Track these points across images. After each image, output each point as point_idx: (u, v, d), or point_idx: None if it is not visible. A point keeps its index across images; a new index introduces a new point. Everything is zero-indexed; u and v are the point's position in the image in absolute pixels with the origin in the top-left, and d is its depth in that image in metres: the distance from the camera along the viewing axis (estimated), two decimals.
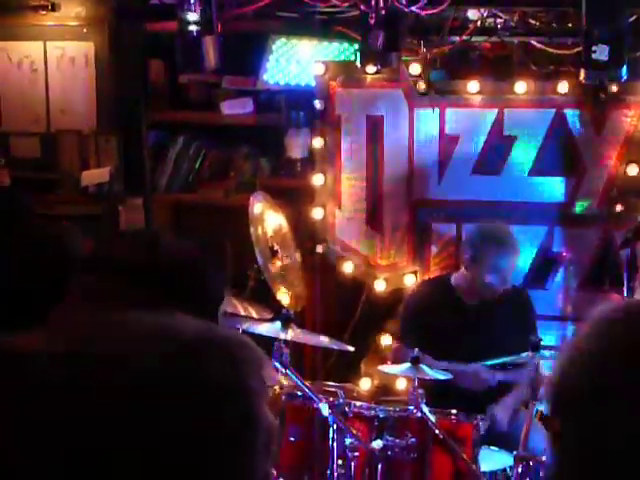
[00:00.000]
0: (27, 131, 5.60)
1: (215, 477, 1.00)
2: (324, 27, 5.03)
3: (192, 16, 4.59)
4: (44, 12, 5.46)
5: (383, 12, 3.66)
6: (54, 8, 5.46)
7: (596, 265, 4.84)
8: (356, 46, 4.87)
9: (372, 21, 3.95)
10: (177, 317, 1.07)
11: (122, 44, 5.45)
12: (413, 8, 3.56)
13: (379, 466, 3.67)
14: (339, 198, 5.09)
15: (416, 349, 3.83)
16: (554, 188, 4.87)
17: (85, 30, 5.50)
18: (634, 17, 4.44)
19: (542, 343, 4.00)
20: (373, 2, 3.56)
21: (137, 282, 1.67)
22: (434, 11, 3.81)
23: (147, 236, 1.88)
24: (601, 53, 4.26)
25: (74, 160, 5.52)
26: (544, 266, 4.91)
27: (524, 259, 4.89)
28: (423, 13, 3.75)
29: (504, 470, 3.91)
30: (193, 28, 4.61)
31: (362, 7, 3.68)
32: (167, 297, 1.65)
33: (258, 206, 4.70)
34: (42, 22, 5.50)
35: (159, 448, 0.97)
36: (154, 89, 5.48)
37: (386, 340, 4.93)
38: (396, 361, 4.27)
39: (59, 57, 5.55)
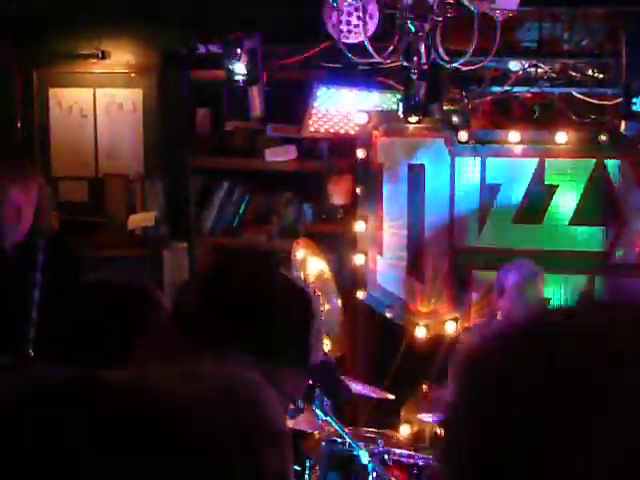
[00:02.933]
0: (75, 175, 5.73)
1: None
2: (366, 77, 5.11)
3: (239, 67, 4.71)
4: (94, 60, 5.61)
5: (425, 66, 3.72)
6: (104, 56, 5.60)
7: None
8: (398, 96, 4.95)
9: (415, 76, 4.01)
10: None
11: (169, 91, 5.58)
12: (455, 65, 3.62)
13: None
14: (381, 245, 5.15)
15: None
16: (594, 237, 4.89)
17: (133, 77, 5.64)
18: None
19: None
20: (415, 58, 3.62)
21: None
22: (476, 66, 3.86)
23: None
24: None
25: (121, 204, 5.62)
26: None
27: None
28: (465, 69, 3.81)
29: None
30: (239, 78, 4.72)
31: (405, 63, 3.75)
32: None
33: (301, 251, 4.77)
34: (92, 70, 5.64)
35: None
36: (200, 136, 5.59)
37: (426, 387, 4.94)
38: (437, 405, 4.30)
39: (108, 103, 5.69)
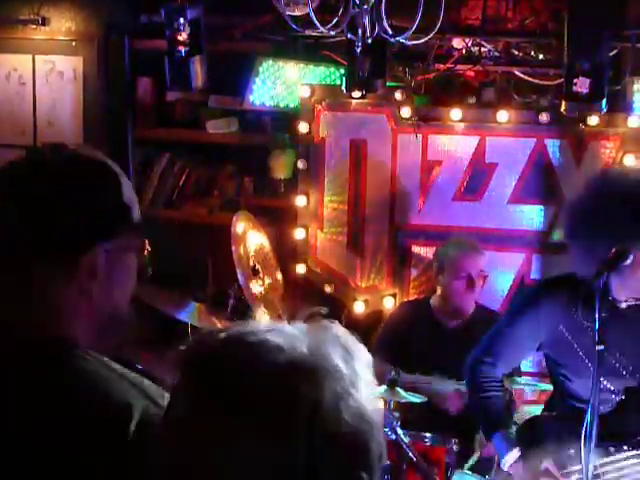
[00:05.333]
0: (14, 144, 5.62)
1: None
2: (310, 50, 5.10)
3: (181, 36, 4.65)
4: (34, 26, 5.50)
5: (369, 41, 3.71)
6: (44, 22, 5.49)
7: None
8: (342, 70, 4.95)
9: (358, 49, 4.00)
10: None
11: (111, 60, 5.49)
12: (399, 38, 3.61)
13: None
14: (321, 220, 5.15)
15: (392, 372, 3.88)
16: (533, 216, 4.95)
17: (74, 45, 5.54)
18: (615, 51, 4.53)
19: (519, 369, 4.07)
20: (360, 31, 3.61)
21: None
22: (420, 41, 3.86)
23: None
24: (582, 85, 4.33)
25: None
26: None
27: (502, 285, 4.96)
28: (409, 43, 3.80)
29: None
30: (182, 48, 4.67)
31: (349, 36, 3.74)
32: None
33: (241, 225, 4.74)
34: (32, 36, 5.53)
35: None
36: (141, 106, 5.53)
37: None
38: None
39: (48, 71, 5.59)
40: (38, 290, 1.60)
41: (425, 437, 3.87)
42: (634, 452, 3.12)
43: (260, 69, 5.20)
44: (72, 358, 1.58)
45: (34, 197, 1.59)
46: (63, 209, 1.58)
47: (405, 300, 4.98)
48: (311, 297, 5.25)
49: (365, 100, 4.93)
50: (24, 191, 1.60)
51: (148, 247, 1.74)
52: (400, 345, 4.46)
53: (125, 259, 1.67)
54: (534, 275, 4.98)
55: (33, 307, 1.61)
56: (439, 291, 4.55)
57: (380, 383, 3.96)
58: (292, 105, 5.22)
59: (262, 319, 4.64)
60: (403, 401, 3.84)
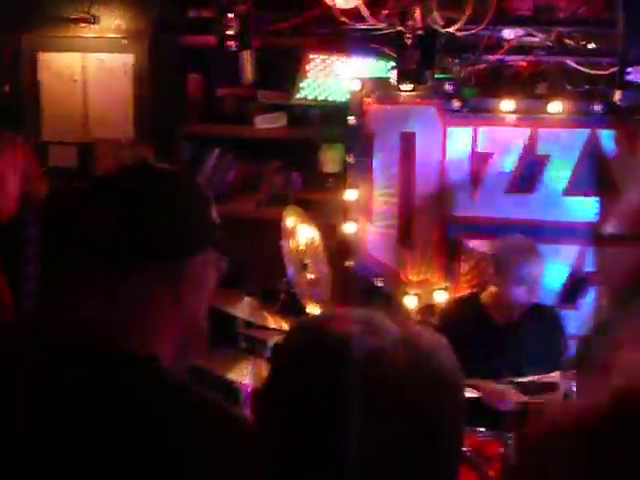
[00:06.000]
0: (65, 141, 5.68)
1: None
2: (359, 44, 5.07)
3: (230, 31, 4.66)
4: (85, 24, 5.55)
5: (419, 32, 3.68)
6: (94, 21, 5.54)
7: (627, 285, 4.83)
8: (391, 63, 4.91)
9: (408, 41, 3.98)
10: None
11: (160, 57, 5.52)
12: (449, 29, 3.58)
13: None
14: (371, 213, 5.12)
15: None
16: (587, 208, 4.87)
17: (124, 42, 5.58)
18: None
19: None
20: (410, 22, 3.58)
21: None
22: (470, 32, 3.82)
23: None
24: (636, 75, 4.26)
25: (110, 169, 5.57)
26: (575, 286, 4.91)
27: (555, 278, 4.90)
28: (459, 34, 3.77)
29: None
30: (231, 43, 4.67)
31: (399, 27, 3.71)
32: None
33: (290, 219, 4.74)
34: (82, 34, 5.58)
35: None
36: (191, 102, 5.55)
37: None
38: None
39: (98, 68, 5.63)
40: (128, 297, 1.65)
41: (479, 431, 3.83)
42: None
43: (309, 63, 5.19)
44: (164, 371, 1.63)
45: (138, 207, 1.69)
46: (162, 221, 1.68)
47: (454, 297, 4.93)
48: (361, 291, 5.23)
49: (414, 93, 4.89)
50: (128, 200, 1.69)
51: (225, 264, 1.82)
52: (450, 343, 4.40)
53: (206, 273, 1.74)
54: (588, 268, 4.91)
55: (124, 314, 1.66)
56: (493, 289, 4.48)
57: None
58: (341, 99, 5.20)
59: (312, 313, 4.64)
60: None
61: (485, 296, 4.54)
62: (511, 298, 4.37)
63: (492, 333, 4.43)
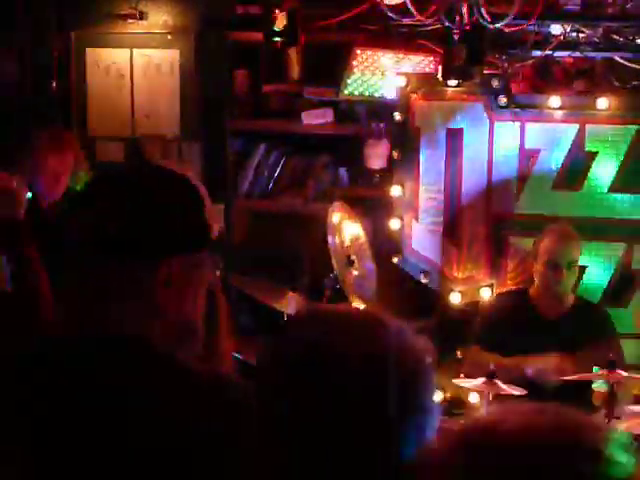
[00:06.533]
0: (112, 136, 5.74)
1: None
2: (406, 40, 5.07)
3: (277, 27, 4.68)
4: (132, 20, 5.59)
5: (467, 28, 3.67)
6: (142, 17, 5.59)
7: None
8: (438, 59, 4.90)
9: (456, 36, 3.97)
10: None
11: (207, 52, 5.55)
12: (497, 25, 3.57)
13: None
14: (417, 210, 5.12)
15: (492, 364, 3.84)
16: (634, 205, 4.83)
17: (171, 38, 5.62)
18: None
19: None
20: (457, 18, 3.58)
21: None
22: (518, 27, 3.81)
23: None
24: None
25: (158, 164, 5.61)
26: (622, 283, 4.87)
27: (602, 276, 4.86)
28: (507, 30, 3.75)
29: None
30: (277, 39, 4.69)
31: (446, 23, 3.71)
32: None
33: (336, 215, 4.75)
34: (130, 30, 5.63)
35: None
36: (237, 97, 5.57)
37: (460, 353, 4.93)
38: (469, 365, 4.31)
39: (145, 64, 5.68)
40: (123, 289, 1.69)
41: None
42: None
43: (355, 59, 5.19)
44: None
45: (140, 204, 1.71)
46: (159, 218, 1.70)
47: (502, 290, 4.92)
48: (406, 288, 5.23)
49: (461, 88, 4.88)
50: (131, 198, 1.72)
51: (220, 266, 1.84)
52: (499, 337, 4.40)
53: (198, 274, 1.75)
54: (635, 266, 4.87)
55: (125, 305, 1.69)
56: (536, 281, 4.49)
57: (479, 375, 3.93)
58: (387, 95, 5.19)
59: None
60: (502, 393, 3.80)
61: (532, 290, 4.54)
62: (544, 283, 4.36)
63: (539, 327, 4.43)
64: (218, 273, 1.88)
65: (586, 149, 4.86)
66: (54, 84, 5.75)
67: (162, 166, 1.85)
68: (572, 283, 4.45)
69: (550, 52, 4.79)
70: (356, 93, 5.24)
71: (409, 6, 3.50)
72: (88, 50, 5.74)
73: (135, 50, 5.68)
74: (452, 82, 4.78)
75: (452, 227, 5.08)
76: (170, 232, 1.70)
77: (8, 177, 2.92)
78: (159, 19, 5.61)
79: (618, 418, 3.68)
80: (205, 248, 1.76)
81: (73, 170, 4.34)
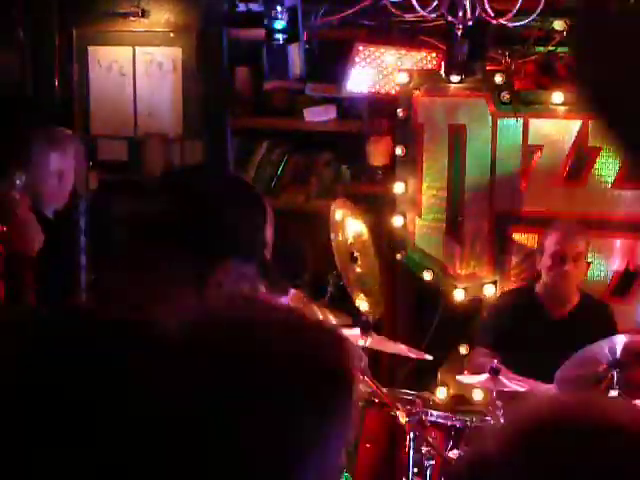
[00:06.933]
0: (114, 135, 5.73)
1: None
2: (408, 36, 5.05)
3: (279, 24, 4.67)
4: (134, 18, 5.58)
5: (469, 23, 3.66)
6: (144, 14, 5.58)
7: None
8: (440, 55, 4.89)
9: (458, 32, 3.96)
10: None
11: (209, 50, 5.54)
12: (501, 20, 3.56)
13: None
14: (420, 206, 5.11)
15: (495, 360, 3.83)
16: (638, 201, 4.81)
17: (173, 36, 5.60)
18: None
19: None
20: (460, 13, 3.57)
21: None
22: (521, 22, 3.80)
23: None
24: None
25: (160, 164, 5.62)
26: (626, 279, 4.86)
27: (606, 272, 4.85)
28: (510, 25, 3.74)
29: None
30: (279, 36, 4.68)
31: (449, 18, 3.69)
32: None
33: (339, 212, 4.74)
34: (131, 28, 5.62)
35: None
36: (239, 95, 5.56)
37: (464, 349, 4.92)
38: (474, 365, 4.29)
39: (147, 62, 5.66)
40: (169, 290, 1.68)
41: None
42: None
43: (358, 56, 5.18)
44: None
45: (202, 205, 1.75)
46: (221, 223, 1.75)
47: (508, 288, 4.90)
48: (409, 285, 5.22)
49: (464, 84, 4.87)
50: (193, 198, 1.76)
51: (260, 287, 1.84)
52: (504, 335, 4.38)
53: (244, 285, 1.77)
54: (639, 261, 4.85)
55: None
56: (543, 277, 4.47)
57: (482, 372, 3.92)
58: (390, 91, 5.18)
59: (361, 306, 4.64)
60: (506, 390, 3.79)
61: (538, 287, 4.52)
62: (549, 276, 4.35)
63: (546, 325, 4.41)
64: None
65: (589, 144, 4.84)
66: (56, 83, 5.74)
67: (237, 176, 1.94)
68: (579, 278, 4.43)
69: (553, 48, 4.78)
70: (359, 89, 5.22)
71: (412, 2, 3.49)
72: (90, 48, 5.73)
73: (137, 48, 5.67)
74: (455, 78, 4.77)
75: (455, 224, 5.07)
76: (233, 236, 1.73)
77: None
78: (161, 17, 5.59)
79: None
80: (255, 261, 1.79)
81: (76, 169, 4.32)
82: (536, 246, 4.70)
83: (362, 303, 4.65)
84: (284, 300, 1.88)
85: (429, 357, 4.28)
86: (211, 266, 1.70)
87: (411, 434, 3.64)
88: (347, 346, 1.12)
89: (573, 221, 4.54)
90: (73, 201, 4.13)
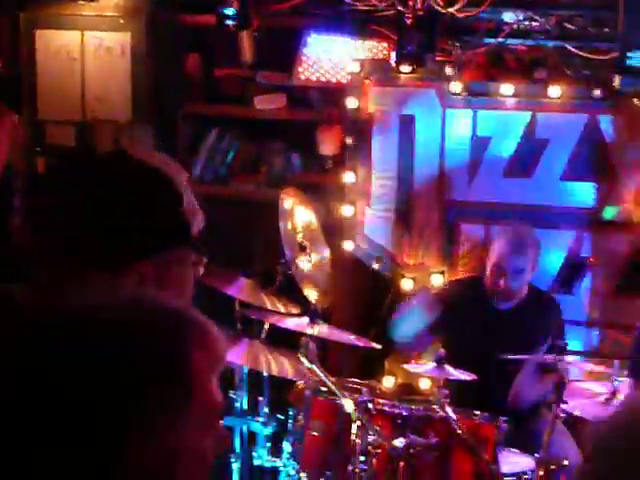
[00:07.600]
0: (63, 119, 5.66)
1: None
2: (359, 25, 5.05)
3: (229, 11, 4.64)
4: (83, 2, 5.51)
5: (420, 13, 3.67)
6: None
7: (625, 272, 4.83)
8: (391, 45, 4.90)
9: (409, 21, 3.96)
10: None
11: (159, 36, 5.49)
12: (450, 9, 3.57)
13: (401, 464, 3.69)
14: (369, 196, 5.11)
15: (441, 349, 3.86)
16: (585, 193, 4.87)
17: (122, 21, 5.54)
18: None
19: (567, 348, 4.02)
20: (410, 2, 3.57)
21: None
22: (471, 13, 3.81)
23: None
24: (636, 59, 4.25)
25: (108, 149, 5.56)
26: (571, 271, 4.91)
27: (552, 263, 4.90)
28: (460, 15, 3.75)
29: (525, 473, 3.91)
30: (230, 23, 4.66)
31: (399, 7, 3.70)
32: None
33: (288, 201, 4.72)
34: (80, 12, 5.55)
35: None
36: (190, 81, 5.52)
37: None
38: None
39: (96, 47, 5.60)
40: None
41: (474, 414, 3.84)
42: None
43: (308, 43, 5.17)
44: None
45: (97, 201, 1.63)
46: (121, 218, 1.62)
47: (455, 278, 4.93)
48: (358, 274, 5.23)
49: (414, 75, 4.88)
50: (87, 194, 1.65)
51: (205, 261, 1.75)
52: (450, 325, 4.41)
53: (179, 272, 1.68)
54: (584, 253, 4.91)
55: None
56: (488, 271, 4.49)
57: (428, 361, 3.94)
58: (340, 80, 5.18)
59: (310, 295, 4.63)
60: (452, 378, 3.82)
61: (486, 279, 4.55)
62: (495, 286, 4.38)
63: (491, 316, 4.44)
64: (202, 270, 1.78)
65: (537, 136, 4.88)
66: (1, 67, 5.65)
67: (129, 155, 1.72)
68: (518, 286, 4.45)
69: (503, 40, 4.81)
70: (309, 78, 5.22)
71: None
72: (38, 32, 5.64)
73: (86, 32, 5.60)
74: (405, 68, 4.78)
75: (404, 214, 5.08)
76: (136, 235, 1.62)
77: None
78: (110, 1, 5.52)
79: (566, 403, 3.71)
80: (183, 245, 1.68)
81: (10, 139, 4.25)
82: (485, 238, 4.73)
83: (311, 292, 4.64)
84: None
85: (377, 346, 4.29)
86: (127, 256, 1.61)
87: (357, 422, 3.65)
88: (185, 330, 1.07)
89: (523, 231, 4.53)
90: (7, 177, 4.08)
